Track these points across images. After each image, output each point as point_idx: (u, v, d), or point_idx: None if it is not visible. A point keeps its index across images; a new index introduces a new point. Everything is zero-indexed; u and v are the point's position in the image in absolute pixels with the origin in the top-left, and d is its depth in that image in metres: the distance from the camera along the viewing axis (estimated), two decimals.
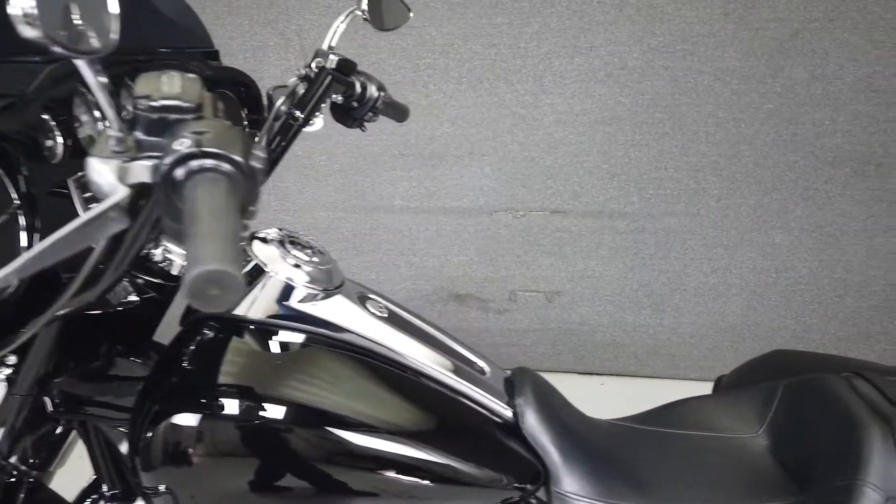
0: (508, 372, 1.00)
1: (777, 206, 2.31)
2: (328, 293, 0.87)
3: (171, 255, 0.76)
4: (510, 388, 0.96)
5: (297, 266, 0.85)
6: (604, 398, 2.45)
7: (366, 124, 1.31)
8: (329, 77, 1.07)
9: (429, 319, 1.08)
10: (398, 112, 1.30)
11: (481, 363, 1.00)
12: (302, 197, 2.43)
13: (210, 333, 0.78)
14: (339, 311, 0.87)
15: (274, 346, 0.81)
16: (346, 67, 1.11)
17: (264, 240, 0.86)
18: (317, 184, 2.41)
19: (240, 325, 0.80)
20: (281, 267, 0.84)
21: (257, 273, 0.84)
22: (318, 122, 1.13)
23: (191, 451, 0.71)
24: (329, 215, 2.45)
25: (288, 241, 0.87)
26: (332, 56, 1.09)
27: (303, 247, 0.88)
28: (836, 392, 0.89)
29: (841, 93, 2.18)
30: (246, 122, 1.10)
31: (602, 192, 2.36)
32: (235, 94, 1.07)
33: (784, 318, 2.43)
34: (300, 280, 0.84)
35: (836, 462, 0.81)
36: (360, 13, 1.18)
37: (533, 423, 0.89)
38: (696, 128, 2.26)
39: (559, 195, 2.38)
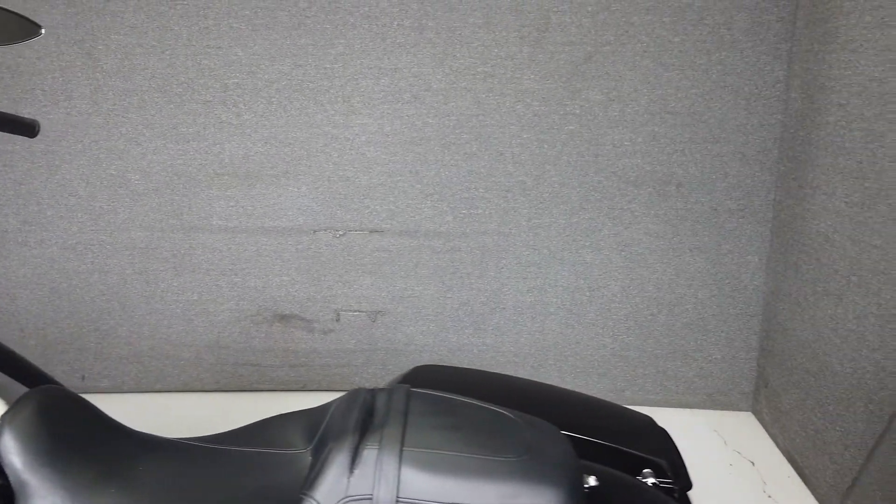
0: None
1: (585, 226, 2.35)
2: None
3: None
4: None
5: None
6: None
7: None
8: None
9: None
10: (24, 127, 1.26)
11: None
12: (117, 217, 2.40)
13: None
14: None
15: None
16: None
17: None
18: (132, 203, 2.39)
19: None
20: None
21: None
22: None
23: None
24: (146, 235, 2.42)
25: None
26: None
27: None
28: (351, 406, 0.88)
29: (637, 114, 2.25)
30: None
31: (417, 211, 2.38)
32: None
33: (602, 336, 2.46)
34: None
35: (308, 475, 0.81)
36: None
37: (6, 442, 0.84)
38: (502, 148, 2.30)
39: (376, 214, 2.39)
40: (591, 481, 0.89)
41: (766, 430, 2.34)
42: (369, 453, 0.79)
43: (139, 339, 2.53)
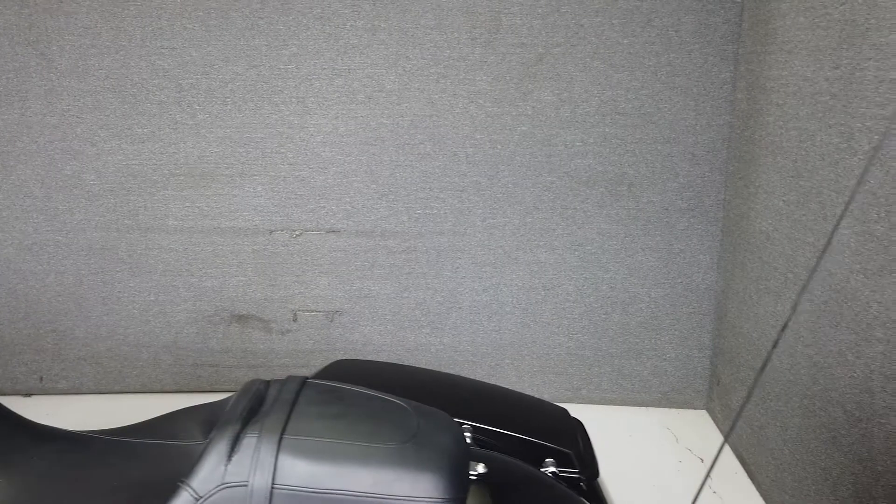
0: None
1: (539, 226, 2.37)
2: None
3: None
4: None
5: None
6: None
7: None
8: None
9: None
10: None
11: None
12: (73, 217, 2.40)
13: None
14: None
15: None
16: None
17: None
18: (88, 204, 2.39)
19: None
20: None
21: None
22: None
23: None
24: (103, 235, 2.42)
25: None
26: None
27: None
28: (242, 397, 0.90)
29: (588, 115, 2.27)
30: None
31: (373, 211, 2.39)
32: None
33: (557, 336, 2.48)
34: None
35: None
36: None
37: None
38: (456, 149, 2.32)
39: (333, 214, 2.40)
40: (480, 468, 0.91)
41: (719, 428, 2.37)
42: (249, 441, 0.80)
43: (97, 340, 2.53)
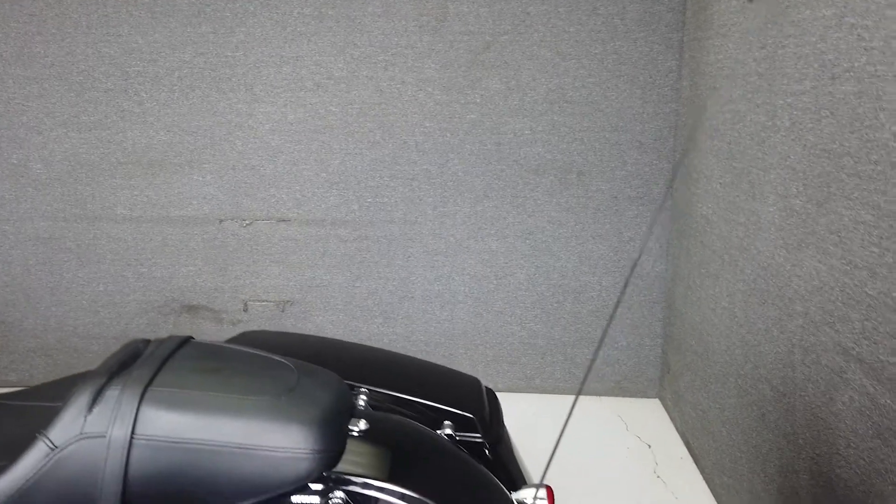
0: None
1: (490, 214, 2.38)
2: None
3: None
4: None
5: None
6: None
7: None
8: None
9: None
10: None
11: None
12: (20, 206, 2.37)
13: None
14: None
15: None
16: None
17: None
18: (35, 193, 2.37)
19: None
20: None
21: None
22: None
23: None
24: (50, 225, 2.39)
25: None
26: None
27: None
28: (118, 354, 0.89)
29: (536, 103, 2.28)
30: None
31: (323, 200, 2.38)
32: None
33: (510, 325, 2.48)
34: None
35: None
36: None
37: None
38: (406, 137, 2.32)
39: (283, 203, 2.39)
40: (361, 425, 0.90)
41: (669, 415, 2.37)
42: (111, 393, 0.79)
43: (46, 331, 2.50)
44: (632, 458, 2.13)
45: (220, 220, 2.41)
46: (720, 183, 1.83)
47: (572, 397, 2.50)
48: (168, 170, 2.36)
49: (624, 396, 2.52)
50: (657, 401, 2.50)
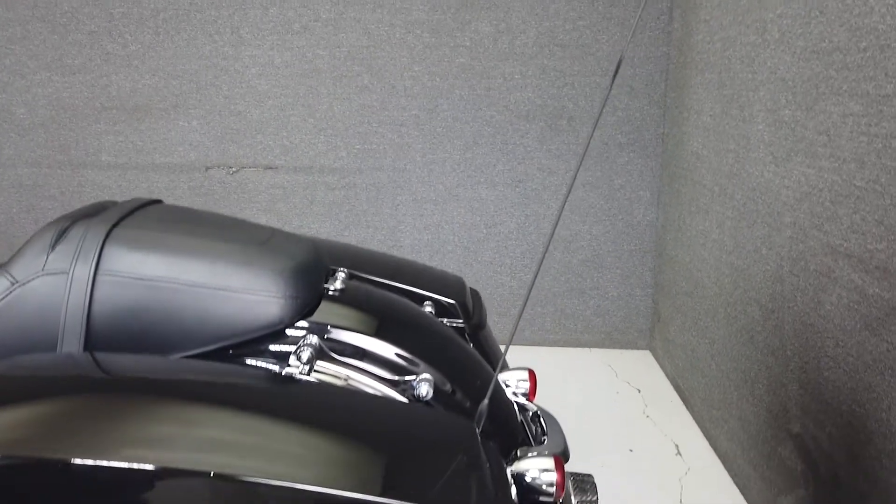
0: None
1: (480, 161, 2.35)
2: None
3: None
4: None
5: None
6: None
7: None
8: None
9: None
10: None
11: None
12: (3, 153, 2.34)
13: None
14: None
15: None
16: None
17: None
18: (18, 139, 2.33)
19: None
20: None
21: None
22: None
23: None
24: (34, 171, 2.36)
25: None
26: None
27: None
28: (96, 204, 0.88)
29: (527, 47, 2.26)
30: None
31: (311, 146, 2.35)
32: None
33: (500, 275, 2.45)
34: None
35: None
36: None
37: None
38: (394, 81, 2.29)
39: (270, 150, 2.36)
40: (338, 284, 0.88)
41: (659, 363, 2.36)
42: (76, 232, 0.77)
43: None
44: (622, 402, 2.11)
45: (207, 168, 2.38)
46: (710, 115, 1.81)
47: (564, 349, 2.49)
48: (153, 115, 2.33)
49: (614, 348, 2.51)
50: (647, 352, 2.48)
